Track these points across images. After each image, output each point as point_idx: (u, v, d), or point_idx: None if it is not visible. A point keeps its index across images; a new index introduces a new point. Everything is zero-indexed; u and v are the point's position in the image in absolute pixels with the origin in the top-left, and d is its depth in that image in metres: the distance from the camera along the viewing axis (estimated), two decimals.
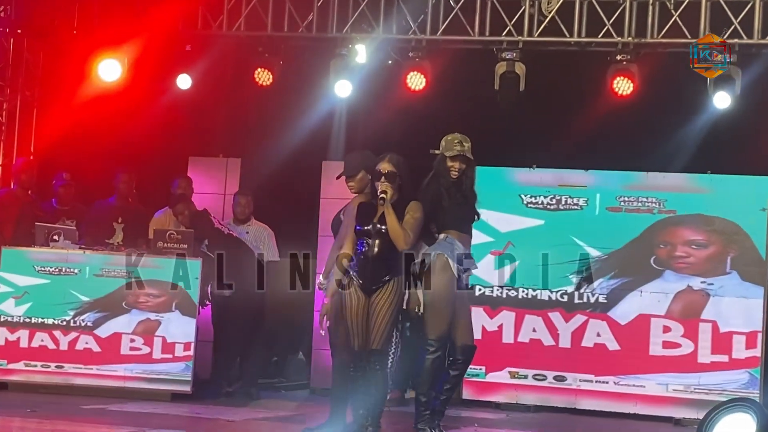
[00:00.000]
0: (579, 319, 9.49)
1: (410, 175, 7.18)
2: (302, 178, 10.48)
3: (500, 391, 9.58)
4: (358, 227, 7.12)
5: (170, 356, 9.18)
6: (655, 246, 9.41)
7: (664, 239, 9.41)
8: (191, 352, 9.14)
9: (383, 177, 7.12)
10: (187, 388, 9.18)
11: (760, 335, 9.10)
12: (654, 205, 9.41)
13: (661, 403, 9.31)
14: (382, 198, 7.05)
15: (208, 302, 9.63)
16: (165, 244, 9.28)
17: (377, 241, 7.09)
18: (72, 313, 9.24)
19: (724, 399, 7.08)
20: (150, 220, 10.00)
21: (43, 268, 9.29)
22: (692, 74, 9.52)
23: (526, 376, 9.54)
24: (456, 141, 7.33)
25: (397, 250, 7.07)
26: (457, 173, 7.28)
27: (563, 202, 9.55)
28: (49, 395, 8.96)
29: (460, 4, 9.90)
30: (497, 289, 9.60)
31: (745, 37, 9.49)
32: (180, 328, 9.21)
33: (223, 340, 9.80)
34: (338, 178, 7.51)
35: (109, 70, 10.24)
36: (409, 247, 7.08)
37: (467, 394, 9.58)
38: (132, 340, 9.24)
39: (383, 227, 7.07)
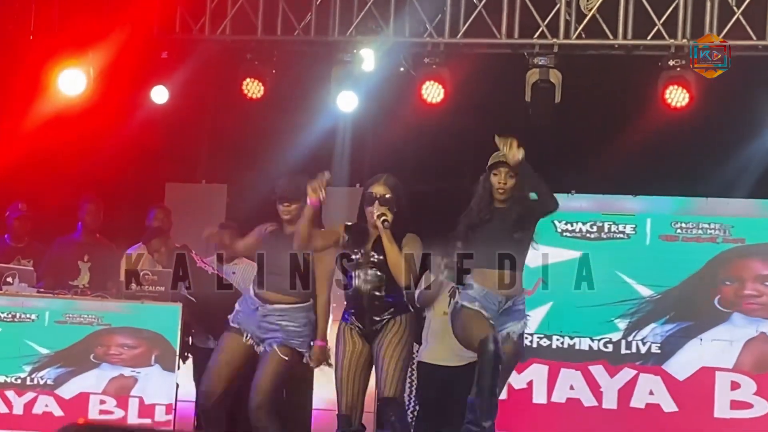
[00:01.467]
0: (627, 373, 9.19)
1: (409, 203, 6.92)
2: None
3: None
4: (347, 256, 6.78)
5: (149, 421, 8.58)
6: (719, 283, 9.16)
7: (730, 274, 9.16)
8: (172, 417, 8.54)
9: (377, 201, 6.68)
10: None
11: None
12: (718, 232, 9.14)
13: None
14: (385, 220, 6.60)
15: (188, 355, 9.03)
16: (139, 287, 8.75)
17: (373, 272, 6.66)
18: (28, 368, 8.67)
19: None
20: (121, 259, 9.52)
21: None
22: (758, 82, 9.14)
23: None
24: (502, 143, 6.89)
25: (397, 283, 6.64)
26: (503, 189, 6.82)
27: (606, 230, 9.39)
28: None
29: (484, 2, 9.49)
30: (526, 338, 8.96)
31: None
32: (160, 386, 8.56)
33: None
34: (274, 198, 7.31)
35: (72, 81, 9.84)
36: (409, 283, 6.72)
37: None
38: (102, 402, 8.66)
39: (379, 256, 6.61)
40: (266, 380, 7.08)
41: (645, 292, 9.13)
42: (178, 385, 8.57)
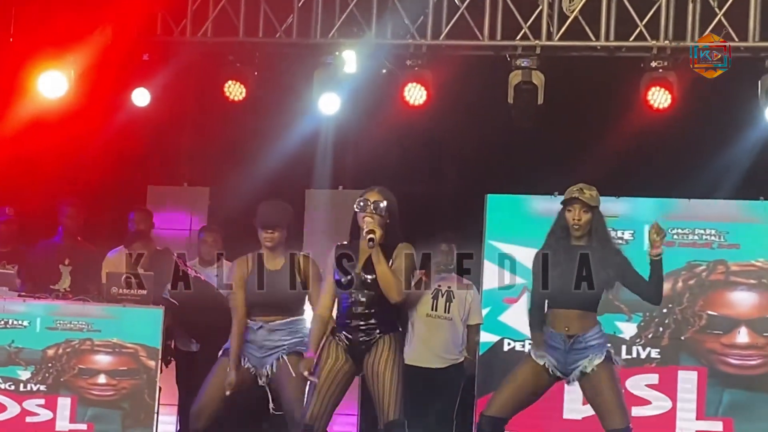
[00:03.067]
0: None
1: (400, 215, 6.76)
2: None
3: None
4: (337, 277, 6.68)
5: None
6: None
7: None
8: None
9: (371, 207, 6.57)
10: None
11: None
12: (714, 238, 9.11)
13: None
14: (371, 239, 6.46)
15: (171, 359, 9.09)
16: (120, 290, 8.75)
17: (364, 293, 6.58)
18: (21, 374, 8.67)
19: None
20: (102, 262, 9.56)
21: None
22: (741, 84, 9.14)
23: None
24: (575, 189, 6.87)
25: (389, 302, 6.54)
26: (578, 225, 6.80)
27: None
28: None
29: (466, 3, 9.49)
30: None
31: None
32: None
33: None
34: (255, 224, 7.36)
35: (53, 84, 9.77)
36: (402, 298, 6.57)
37: None
38: None
39: (369, 277, 6.60)
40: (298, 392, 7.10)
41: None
42: (160, 389, 8.52)
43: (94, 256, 9.61)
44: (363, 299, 6.59)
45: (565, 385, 6.94)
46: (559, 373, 6.68)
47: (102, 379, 8.63)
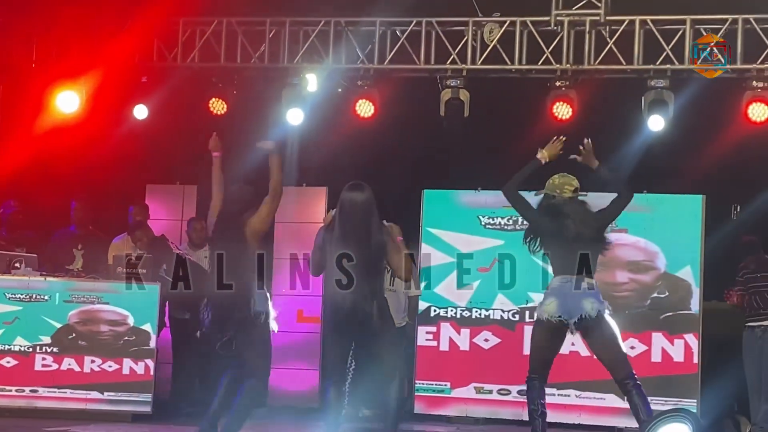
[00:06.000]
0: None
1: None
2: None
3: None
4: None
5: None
6: None
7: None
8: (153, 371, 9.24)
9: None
10: (148, 409, 9.26)
11: None
12: None
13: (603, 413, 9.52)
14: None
15: (166, 323, 9.77)
16: (124, 269, 9.33)
17: None
18: (43, 339, 9.28)
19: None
20: (108, 247, 9.99)
21: (14, 296, 9.31)
22: (628, 98, 9.72)
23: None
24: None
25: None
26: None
27: (520, 223, 9.46)
28: (13, 419, 9.01)
29: (406, 35, 10.04)
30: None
31: (676, 62, 9.73)
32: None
33: (182, 362, 9.90)
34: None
35: (68, 101, 10.30)
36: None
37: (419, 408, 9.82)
38: (92, 361, 9.30)
39: None
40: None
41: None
42: (157, 350, 9.25)
43: (102, 242, 10.01)
44: None
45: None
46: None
47: (106, 329, 9.16)
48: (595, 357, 7.36)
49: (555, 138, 7.43)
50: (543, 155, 7.37)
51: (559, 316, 7.04)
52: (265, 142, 7.19)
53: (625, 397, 7.14)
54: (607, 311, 7.17)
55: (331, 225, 6.95)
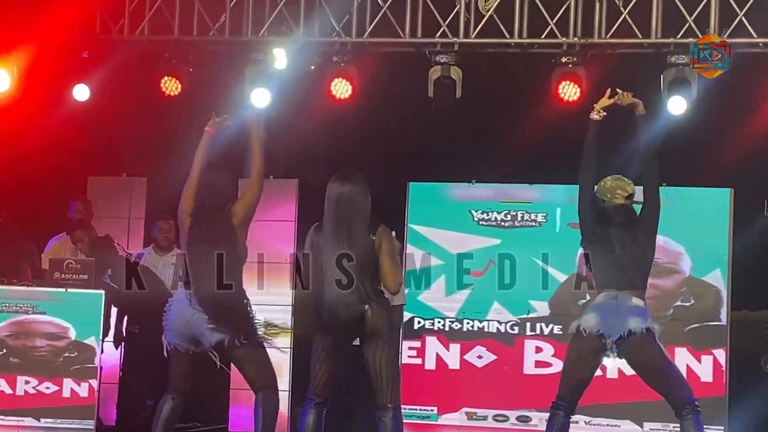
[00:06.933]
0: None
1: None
2: None
3: None
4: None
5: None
6: None
7: None
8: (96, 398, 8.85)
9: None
10: None
11: None
12: None
13: None
14: None
15: (120, 341, 9.58)
16: (62, 275, 8.96)
17: None
18: None
19: None
20: (29, 240, 9.65)
21: None
22: (644, 77, 9.24)
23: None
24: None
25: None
26: None
27: (519, 219, 9.45)
28: None
29: (388, 3, 9.63)
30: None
31: (701, 35, 9.22)
32: None
33: (129, 382, 9.57)
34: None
35: None
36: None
37: None
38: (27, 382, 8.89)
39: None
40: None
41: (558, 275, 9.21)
42: (101, 368, 8.80)
43: (17, 234, 9.53)
44: None
45: None
46: None
47: (42, 343, 8.82)
48: (648, 386, 6.86)
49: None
50: (597, 111, 7.09)
51: (599, 331, 6.62)
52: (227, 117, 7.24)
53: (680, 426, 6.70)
54: (656, 332, 6.68)
55: (321, 225, 6.77)
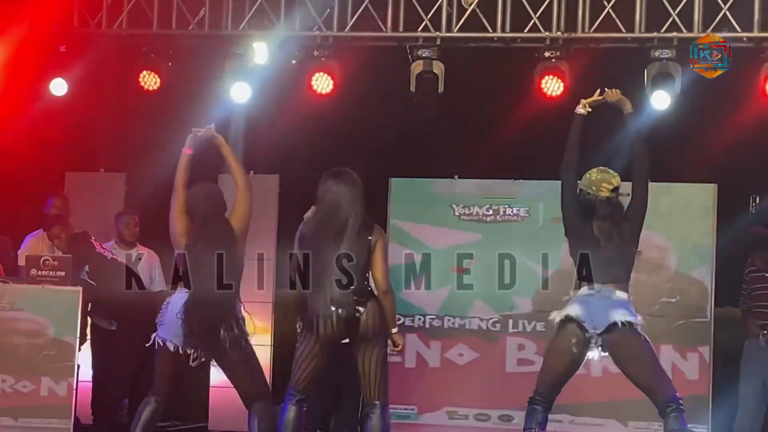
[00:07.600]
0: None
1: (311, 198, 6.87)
2: None
3: None
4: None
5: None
6: None
7: None
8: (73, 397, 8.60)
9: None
10: None
11: None
12: None
13: None
14: None
15: (86, 337, 9.22)
16: (39, 272, 8.74)
17: None
18: None
19: None
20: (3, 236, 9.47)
21: None
22: (627, 72, 9.22)
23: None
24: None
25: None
26: None
27: (501, 213, 9.46)
28: None
29: None
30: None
31: (684, 30, 9.25)
32: None
33: (106, 382, 9.33)
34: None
35: None
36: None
37: None
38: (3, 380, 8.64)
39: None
40: None
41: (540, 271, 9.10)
42: (78, 366, 8.62)
43: None
44: None
45: None
46: None
47: (21, 340, 8.60)
48: (631, 381, 6.72)
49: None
50: (584, 105, 7.01)
51: (582, 322, 6.52)
52: (202, 129, 7.08)
53: (663, 424, 6.58)
54: (639, 325, 6.58)
55: (311, 221, 6.72)
